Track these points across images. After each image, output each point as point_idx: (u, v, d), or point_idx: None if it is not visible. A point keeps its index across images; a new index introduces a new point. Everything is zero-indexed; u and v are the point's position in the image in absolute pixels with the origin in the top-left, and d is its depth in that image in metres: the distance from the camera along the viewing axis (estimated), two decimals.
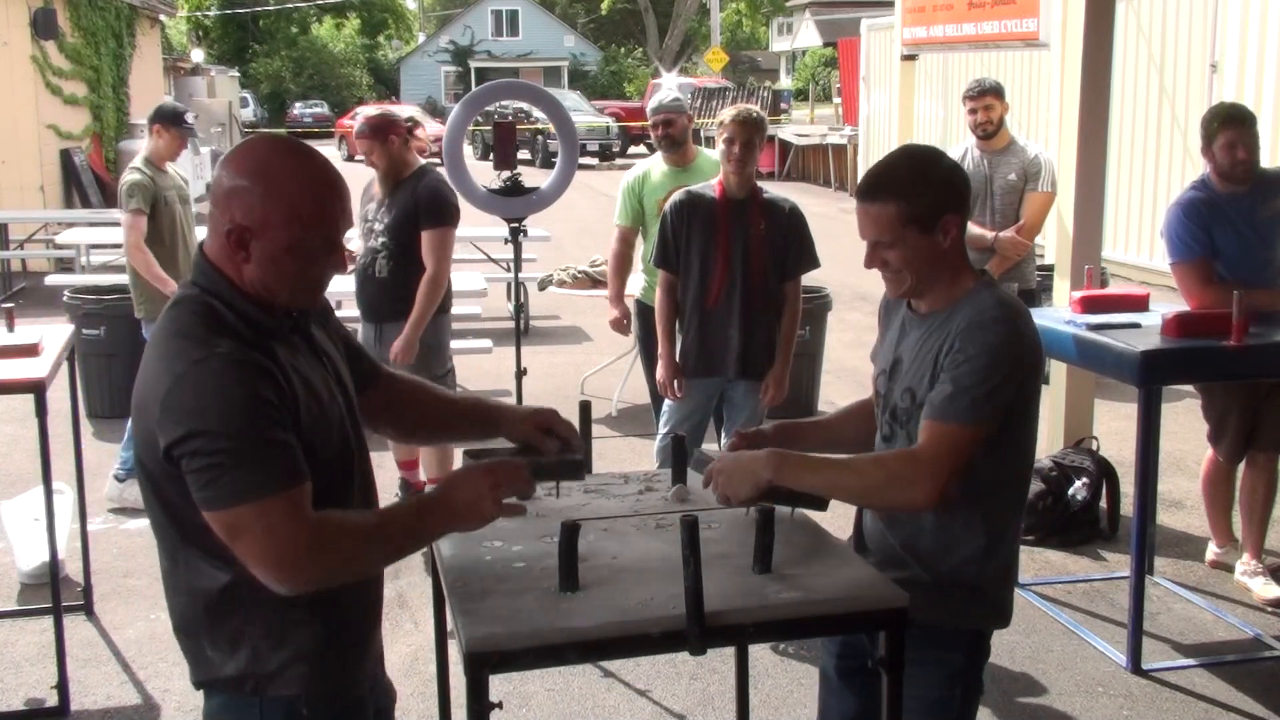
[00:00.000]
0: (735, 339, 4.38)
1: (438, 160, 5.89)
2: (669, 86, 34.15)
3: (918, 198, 2.27)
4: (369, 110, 4.98)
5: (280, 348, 1.96)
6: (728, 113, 4.31)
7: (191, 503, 1.86)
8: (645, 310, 5.28)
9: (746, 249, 4.31)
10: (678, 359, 4.48)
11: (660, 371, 4.52)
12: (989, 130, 5.58)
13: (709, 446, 4.16)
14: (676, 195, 4.47)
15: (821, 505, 2.27)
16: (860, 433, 2.61)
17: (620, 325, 5.45)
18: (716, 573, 2.07)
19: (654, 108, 5.20)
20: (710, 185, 4.42)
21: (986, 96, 5.56)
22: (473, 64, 49.94)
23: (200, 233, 5.90)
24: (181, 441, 1.82)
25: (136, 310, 5.65)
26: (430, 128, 29.07)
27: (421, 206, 4.93)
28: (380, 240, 5.01)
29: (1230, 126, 4.32)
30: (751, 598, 2.03)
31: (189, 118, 5.75)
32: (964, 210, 2.34)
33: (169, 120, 5.62)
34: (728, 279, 4.33)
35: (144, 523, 5.39)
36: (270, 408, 1.85)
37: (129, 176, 5.53)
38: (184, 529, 1.92)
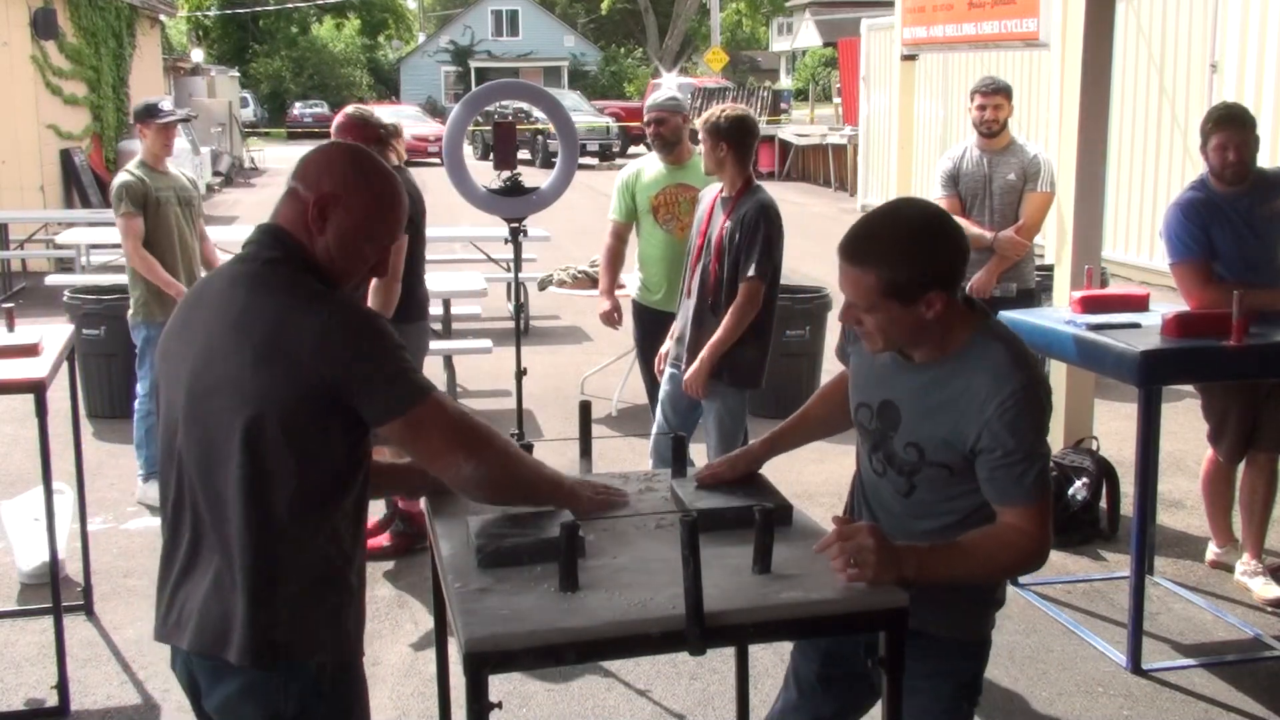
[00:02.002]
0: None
1: (438, 160, 5.89)
2: (669, 86, 34.17)
3: (901, 269, 2.10)
4: (347, 110, 4.89)
5: None
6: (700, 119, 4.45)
7: (305, 459, 2.00)
8: (641, 311, 5.30)
9: (710, 245, 4.44)
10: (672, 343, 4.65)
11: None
12: (993, 129, 5.58)
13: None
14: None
15: None
16: (832, 419, 2.62)
17: (610, 318, 5.47)
18: (716, 573, 2.06)
19: (648, 106, 5.23)
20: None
21: (998, 95, 5.57)
22: (473, 64, 49.95)
23: (212, 233, 5.81)
24: (354, 369, 1.99)
25: (132, 312, 5.53)
26: (430, 127, 29.15)
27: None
28: None
29: (1224, 128, 4.32)
30: (751, 598, 2.03)
31: (165, 104, 5.57)
32: (952, 286, 2.16)
33: (145, 116, 5.48)
34: (700, 272, 4.47)
35: (144, 523, 5.39)
36: (395, 335, 2.10)
37: (117, 179, 5.45)
38: (276, 491, 2.00)
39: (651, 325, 5.15)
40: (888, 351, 2.27)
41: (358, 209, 2.11)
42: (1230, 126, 4.32)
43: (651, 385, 5.12)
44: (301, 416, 1.99)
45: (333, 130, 4.87)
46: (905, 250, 2.12)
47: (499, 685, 3.92)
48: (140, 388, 5.65)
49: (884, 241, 2.14)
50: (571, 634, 1.92)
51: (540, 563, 2.11)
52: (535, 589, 2.05)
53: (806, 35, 46.40)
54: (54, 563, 4.00)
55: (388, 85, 52.60)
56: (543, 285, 8.20)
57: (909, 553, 2.06)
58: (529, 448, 2.57)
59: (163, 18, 22.62)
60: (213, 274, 2.20)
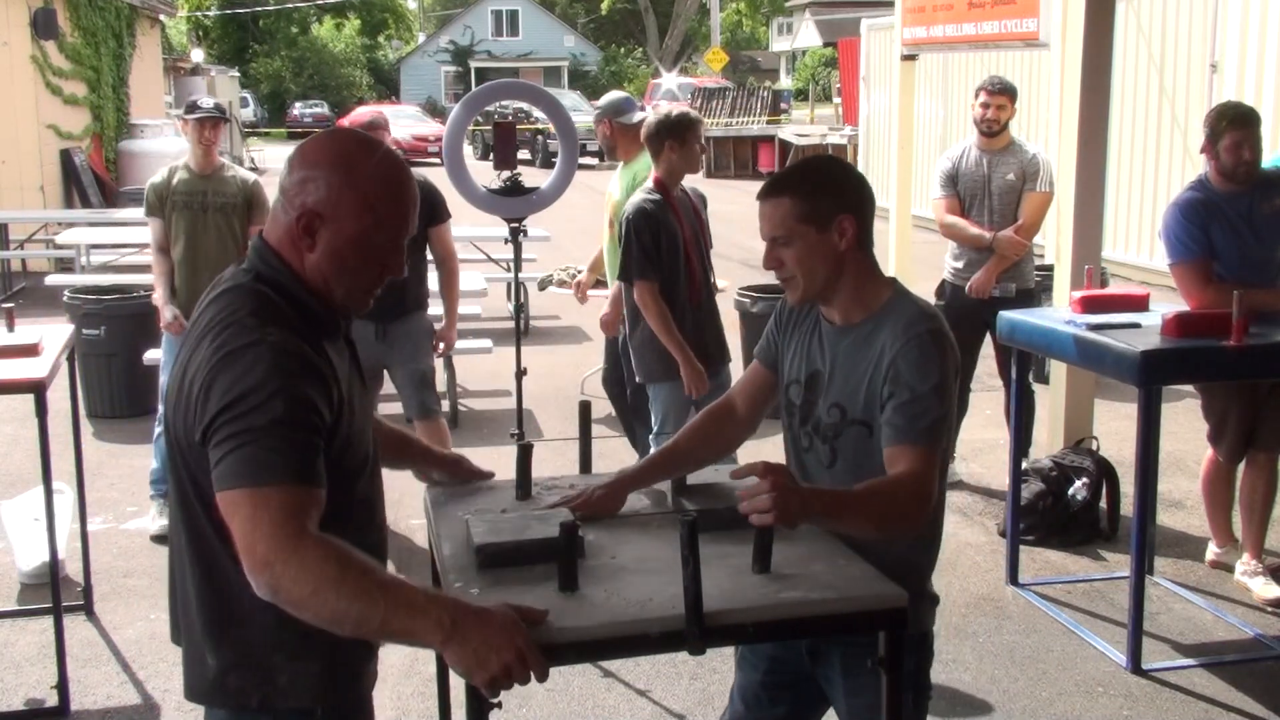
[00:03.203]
0: (721, 327, 4.71)
1: (438, 160, 5.91)
2: (669, 86, 34.16)
3: (810, 195, 2.29)
4: (361, 111, 4.97)
5: (330, 348, 1.94)
6: None
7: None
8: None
9: (699, 240, 4.60)
10: (663, 359, 4.61)
11: (692, 374, 4.51)
12: (993, 129, 5.58)
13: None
14: (635, 206, 4.51)
15: None
16: (711, 451, 2.56)
17: (610, 325, 5.47)
18: (716, 572, 2.06)
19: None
20: (649, 189, 4.54)
21: (1002, 95, 5.56)
22: (473, 64, 49.94)
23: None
24: (214, 418, 1.77)
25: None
26: (430, 127, 29.16)
27: (425, 205, 4.93)
28: None
29: (1238, 127, 4.32)
30: (751, 597, 2.03)
31: (202, 101, 5.36)
32: (861, 214, 2.32)
33: (185, 112, 5.32)
34: (701, 272, 4.61)
35: (144, 523, 5.39)
36: (305, 405, 1.80)
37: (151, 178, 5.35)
38: (216, 527, 1.84)
39: None
40: (809, 299, 2.37)
41: (349, 220, 1.89)
42: (1245, 125, 4.33)
43: (617, 390, 5.35)
44: (202, 455, 1.82)
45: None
46: (813, 179, 2.33)
47: None
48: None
49: (795, 174, 2.38)
50: (571, 634, 1.92)
51: (540, 562, 2.11)
52: (535, 589, 2.04)
53: (806, 35, 46.39)
54: (54, 563, 4.00)
55: (388, 85, 52.57)
56: (543, 285, 8.21)
57: (816, 492, 2.13)
58: (528, 448, 2.57)
59: (163, 18, 22.61)
60: (227, 272, 2.03)
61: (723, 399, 2.62)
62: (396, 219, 1.94)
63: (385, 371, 5.15)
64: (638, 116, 5.25)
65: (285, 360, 1.81)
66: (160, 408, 5.24)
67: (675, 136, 4.46)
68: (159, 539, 5.20)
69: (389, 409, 5.98)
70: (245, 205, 5.31)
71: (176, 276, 5.26)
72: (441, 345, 5.32)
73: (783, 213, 2.29)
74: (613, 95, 5.66)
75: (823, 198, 2.29)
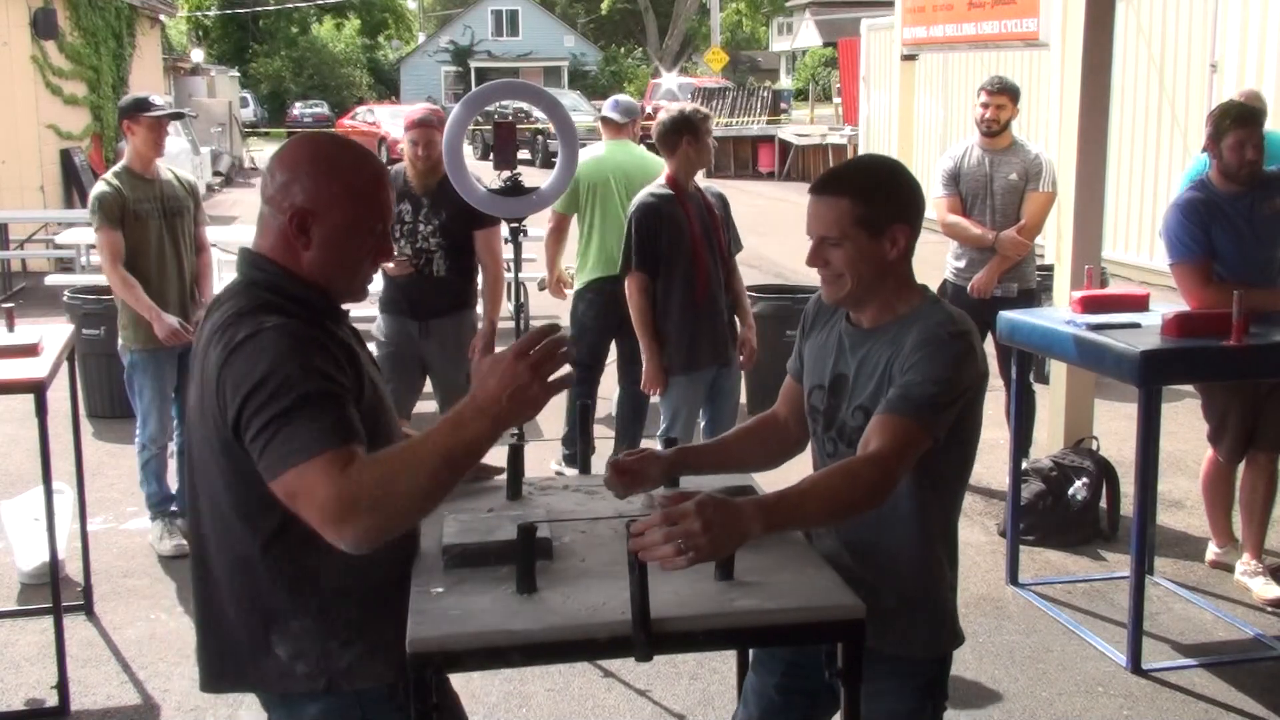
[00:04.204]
0: (724, 330, 4.71)
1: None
2: (669, 86, 34.14)
3: (870, 200, 2.23)
4: (417, 106, 4.98)
5: (337, 331, 2.02)
6: None
7: (264, 504, 1.88)
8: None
9: (710, 239, 4.65)
10: (669, 357, 4.67)
11: (653, 370, 4.66)
12: (993, 129, 5.58)
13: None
14: (641, 201, 4.63)
15: None
16: (761, 455, 2.56)
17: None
18: (677, 578, 2.01)
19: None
20: (660, 184, 4.65)
21: (1003, 95, 5.56)
22: (473, 64, 49.94)
23: (212, 234, 5.49)
24: (240, 412, 1.84)
25: (120, 336, 4.99)
26: None
27: (470, 209, 4.89)
28: (434, 240, 5.07)
29: (1242, 126, 4.31)
30: (705, 605, 2.00)
31: (156, 99, 4.99)
32: (914, 225, 2.29)
33: (133, 111, 4.84)
34: (711, 272, 4.63)
35: (144, 523, 5.38)
36: (320, 373, 1.85)
37: (95, 189, 4.86)
38: (269, 520, 1.93)
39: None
40: (847, 303, 2.32)
41: (338, 209, 1.99)
42: (1250, 124, 4.32)
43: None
44: (234, 460, 1.91)
45: (434, 121, 5.05)
46: (875, 183, 2.28)
47: (500, 686, 3.94)
48: (143, 422, 5.05)
49: (855, 175, 2.32)
50: (517, 636, 1.91)
51: (507, 563, 2.09)
52: (493, 590, 2.03)
53: (806, 35, 46.37)
54: (54, 563, 4.00)
55: (388, 85, 52.56)
56: (543, 285, 8.18)
57: (751, 509, 1.92)
58: (519, 448, 2.56)
59: (163, 18, 22.61)
60: (221, 291, 2.10)
61: (772, 410, 2.59)
62: (379, 203, 2.04)
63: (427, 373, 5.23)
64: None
65: (288, 340, 1.87)
66: (175, 437, 5.10)
67: (691, 132, 4.56)
68: (172, 558, 5.02)
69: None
70: (183, 209, 5.02)
71: (148, 290, 4.84)
72: (479, 348, 5.12)
73: (838, 213, 2.24)
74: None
75: (882, 204, 2.24)
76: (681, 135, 4.56)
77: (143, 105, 4.88)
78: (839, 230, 2.24)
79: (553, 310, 10.26)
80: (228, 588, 2.03)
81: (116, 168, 4.95)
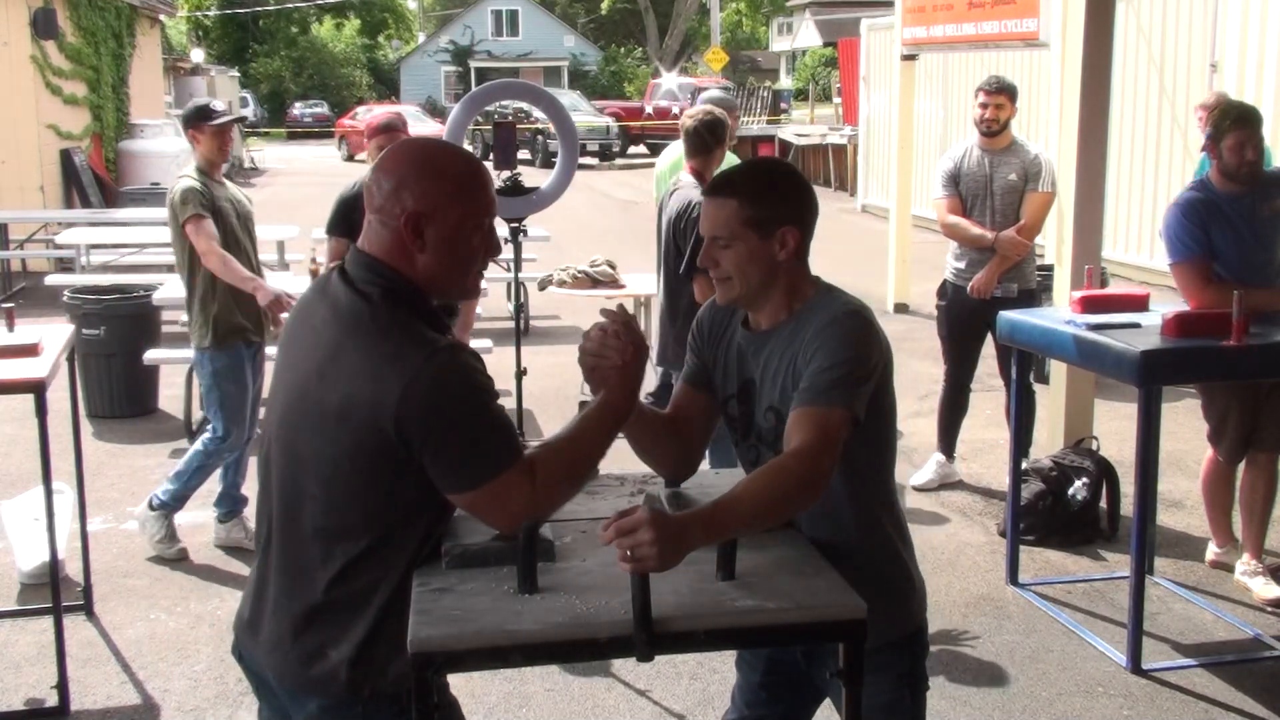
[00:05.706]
0: None
1: None
2: (669, 86, 34.15)
3: (760, 202, 2.26)
4: (379, 110, 4.95)
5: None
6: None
7: (394, 501, 2.00)
8: None
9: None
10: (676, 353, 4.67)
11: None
12: (992, 129, 5.58)
13: None
14: (694, 202, 4.65)
15: None
16: (660, 447, 2.47)
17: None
18: (678, 578, 2.01)
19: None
20: (694, 184, 4.70)
21: (1001, 95, 5.56)
22: (473, 64, 49.92)
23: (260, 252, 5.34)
24: (429, 433, 1.94)
25: (198, 340, 4.97)
26: (430, 127, 29.19)
27: None
28: None
29: (1241, 127, 4.32)
30: (706, 605, 2.00)
31: (217, 105, 5.08)
32: (806, 227, 2.31)
33: (198, 120, 4.95)
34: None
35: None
36: (490, 391, 2.03)
37: (180, 184, 4.88)
38: (374, 526, 2.01)
39: None
40: (738, 303, 2.34)
41: (450, 209, 2.04)
42: (1248, 125, 4.33)
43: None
44: (377, 470, 1.98)
45: (387, 128, 4.95)
46: (764, 186, 2.31)
47: (500, 686, 3.94)
48: (214, 428, 5.00)
49: (746, 178, 2.35)
50: (519, 636, 1.91)
51: (508, 564, 2.09)
52: (494, 590, 2.03)
53: (806, 35, 46.41)
54: (54, 563, 4.01)
55: (388, 85, 52.56)
56: (543, 285, 8.19)
57: (692, 521, 1.96)
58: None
59: (163, 18, 22.62)
60: (319, 290, 2.12)
61: (667, 413, 2.52)
62: (486, 199, 2.11)
63: None
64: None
65: (465, 359, 2.02)
66: (220, 434, 4.97)
67: (725, 135, 4.94)
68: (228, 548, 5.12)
69: None
70: (249, 214, 5.15)
71: (216, 287, 4.89)
72: None
73: (727, 214, 2.27)
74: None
75: (770, 206, 2.28)
76: (720, 139, 4.84)
77: (206, 114, 4.98)
78: (728, 231, 2.27)
79: (553, 310, 10.28)
80: (296, 581, 2.07)
81: (190, 168, 5.00)
